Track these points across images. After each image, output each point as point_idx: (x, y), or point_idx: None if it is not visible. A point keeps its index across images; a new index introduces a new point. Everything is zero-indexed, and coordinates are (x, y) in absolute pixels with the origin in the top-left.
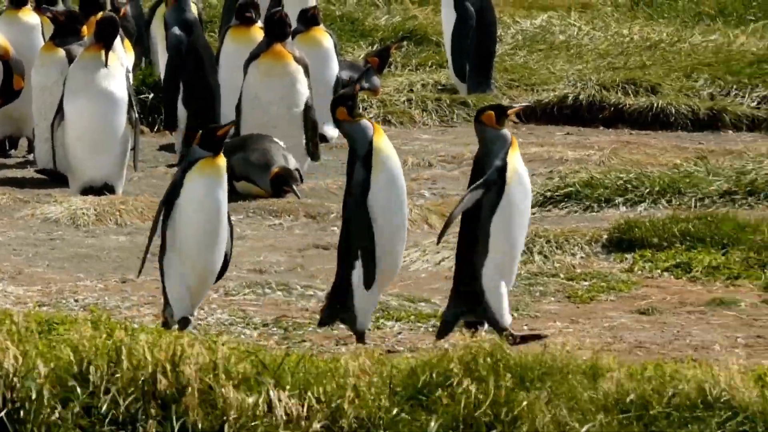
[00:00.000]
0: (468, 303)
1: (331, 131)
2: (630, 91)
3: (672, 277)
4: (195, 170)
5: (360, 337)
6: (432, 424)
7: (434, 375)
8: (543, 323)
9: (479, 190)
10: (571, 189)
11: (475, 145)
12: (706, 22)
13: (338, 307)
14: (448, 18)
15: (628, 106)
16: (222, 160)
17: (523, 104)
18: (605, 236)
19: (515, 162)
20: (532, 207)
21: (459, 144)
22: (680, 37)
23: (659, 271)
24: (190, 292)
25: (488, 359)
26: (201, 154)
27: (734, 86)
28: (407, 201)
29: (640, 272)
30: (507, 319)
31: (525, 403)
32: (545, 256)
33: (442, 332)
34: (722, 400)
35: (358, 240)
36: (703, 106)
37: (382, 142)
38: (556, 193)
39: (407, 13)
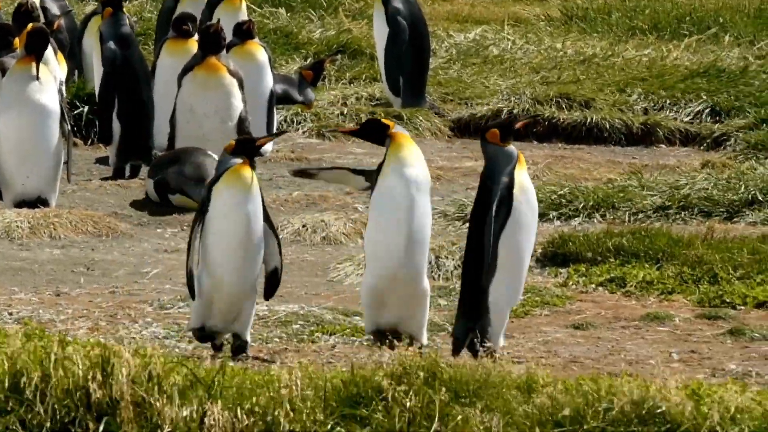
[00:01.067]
0: (474, 319)
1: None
2: (564, 106)
3: (606, 291)
4: (222, 181)
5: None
6: None
7: (369, 388)
8: None
9: (494, 208)
10: None
11: None
12: (639, 36)
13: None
14: (380, 33)
15: (561, 120)
16: (249, 170)
17: (527, 119)
18: (539, 250)
19: (522, 179)
20: (466, 221)
21: None
22: (614, 51)
23: (593, 285)
24: (212, 310)
25: (423, 373)
26: (231, 163)
27: (668, 101)
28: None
29: (574, 287)
30: (501, 341)
31: (460, 417)
32: None
33: (456, 350)
34: (657, 415)
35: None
36: (637, 121)
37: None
38: None
39: (341, 26)
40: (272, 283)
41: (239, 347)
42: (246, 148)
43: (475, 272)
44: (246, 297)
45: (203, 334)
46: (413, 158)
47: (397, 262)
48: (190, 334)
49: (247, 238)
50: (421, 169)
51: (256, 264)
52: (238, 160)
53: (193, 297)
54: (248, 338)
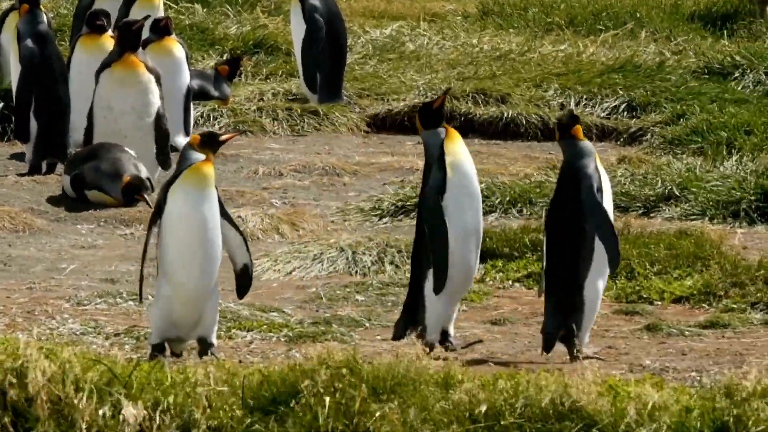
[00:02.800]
0: (566, 315)
1: (182, 140)
2: (480, 101)
3: (524, 287)
4: (180, 180)
5: (431, 349)
6: None
7: (287, 385)
8: None
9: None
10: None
11: (325, 154)
12: (556, 32)
13: (410, 319)
14: (297, 30)
15: (478, 116)
16: (211, 167)
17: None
18: None
19: (602, 171)
20: (383, 217)
21: (310, 153)
22: (530, 47)
23: (511, 281)
24: (173, 317)
25: (342, 370)
26: (194, 158)
27: (584, 96)
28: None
29: (491, 282)
30: (587, 337)
31: (378, 413)
32: (397, 266)
33: (548, 347)
34: (575, 411)
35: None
36: (553, 116)
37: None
38: (408, 203)
39: (257, 22)
40: (243, 282)
41: (204, 351)
42: (210, 142)
43: (572, 266)
44: (208, 299)
45: (163, 347)
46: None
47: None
48: (150, 349)
49: (206, 238)
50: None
51: (216, 264)
52: (202, 156)
53: (140, 300)
54: (215, 341)
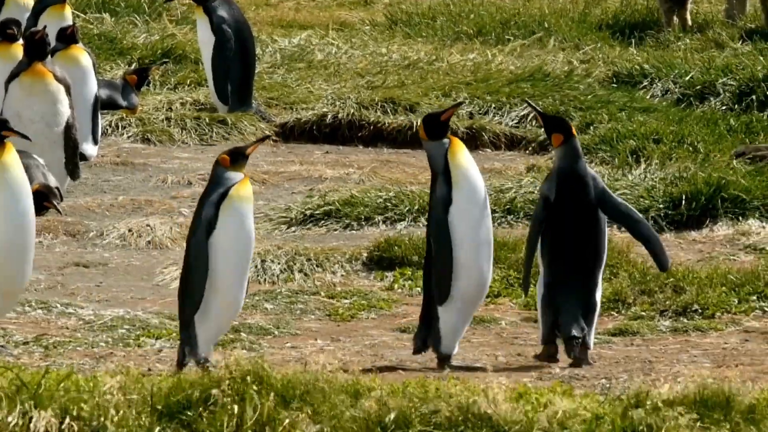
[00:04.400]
0: (580, 317)
1: (91, 150)
2: (389, 110)
3: None
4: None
5: (443, 360)
6: None
7: (196, 393)
8: (304, 341)
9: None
10: (331, 207)
11: None
12: (464, 41)
13: (426, 331)
14: (206, 41)
15: (387, 124)
16: (250, 186)
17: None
18: (365, 254)
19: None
20: (292, 226)
21: None
22: (438, 56)
23: (419, 289)
24: (221, 330)
25: (250, 378)
26: (234, 179)
27: (493, 105)
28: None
29: (400, 290)
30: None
31: (287, 421)
32: (306, 274)
33: (572, 349)
34: (484, 419)
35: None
36: (462, 125)
37: None
38: (316, 212)
39: (165, 31)
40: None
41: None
42: (238, 158)
43: (591, 267)
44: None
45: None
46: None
47: None
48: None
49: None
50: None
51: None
52: (240, 176)
53: (192, 314)
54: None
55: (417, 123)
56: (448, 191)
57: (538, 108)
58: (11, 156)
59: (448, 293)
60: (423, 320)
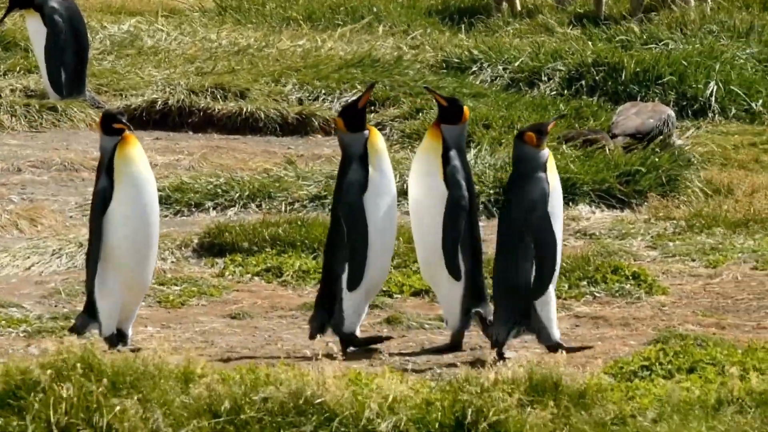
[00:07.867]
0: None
1: None
2: (219, 96)
3: (263, 281)
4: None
5: (348, 343)
6: (28, 429)
7: (26, 380)
8: (135, 328)
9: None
10: (161, 194)
11: (63, 150)
12: (294, 26)
13: (325, 314)
14: (37, 32)
15: (217, 111)
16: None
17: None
18: (196, 241)
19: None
20: None
21: (48, 149)
22: (268, 42)
23: (250, 275)
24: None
25: (80, 364)
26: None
27: (323, 90)
28: None
29: (231, 277)
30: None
31: (118, 408)
32: None
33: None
34: (316, 404)
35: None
36: (292, 111)
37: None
38: None
39: None
40: None
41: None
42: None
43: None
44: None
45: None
46: None
47: None
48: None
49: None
50: None
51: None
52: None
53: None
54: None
55: (247, 109)
56: (364, 177)
57: (437, 92)
58: (136, 149)
59: (362, 278)
60: (320, 304)
